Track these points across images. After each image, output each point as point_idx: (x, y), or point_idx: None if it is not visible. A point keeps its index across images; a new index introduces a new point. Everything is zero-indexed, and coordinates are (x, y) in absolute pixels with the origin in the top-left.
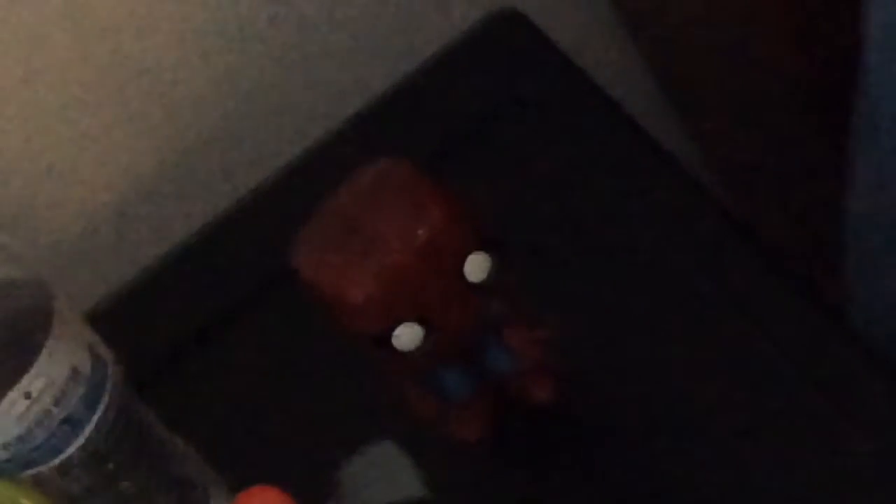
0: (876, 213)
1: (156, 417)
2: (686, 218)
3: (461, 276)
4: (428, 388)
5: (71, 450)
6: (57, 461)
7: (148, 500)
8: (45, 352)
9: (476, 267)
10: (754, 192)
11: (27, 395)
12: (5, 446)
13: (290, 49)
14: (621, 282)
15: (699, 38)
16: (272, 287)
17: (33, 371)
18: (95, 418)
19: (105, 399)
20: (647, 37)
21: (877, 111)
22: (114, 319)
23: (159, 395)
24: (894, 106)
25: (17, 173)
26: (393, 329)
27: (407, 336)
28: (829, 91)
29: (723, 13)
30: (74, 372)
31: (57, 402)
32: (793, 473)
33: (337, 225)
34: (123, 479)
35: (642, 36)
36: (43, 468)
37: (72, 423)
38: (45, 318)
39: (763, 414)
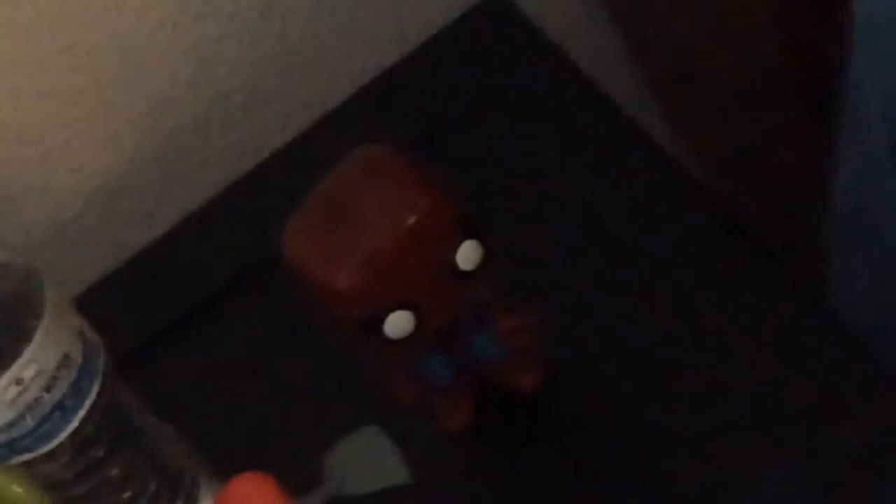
0: (858, 206)
1: (144, 404)
2: (669, 206)
3: (448, 262)
4: (413, 375)
5: (62, 436)
6: (47, 447)
7: (137, 486)
8: (36, 338)
9: (468, 255)
10: (738, 183)
11: (18, 382)
12: None
13: (278, 38)
14: (606, 270)
15: (684, 32)
16: (259, 274)
17: (24, 357)
18: (86, 405)
19: (96, 385)
20: (634, 29)
21: (862, 106)
22: (101, 305)
23: (146, 382)
24: (879, 101)
25: (9, 160)
26: (380, 315)
27: (398, 323)
28: (815, 86)
29: (707, 7)
30: (65, 358)
31: (48, 389)
32: (777, 461)
33: (324, 212)
34: (113, 465)
35: (629, 27)
36: (33, 454)
37: (62, 410)
38: (37, 304)
39: (747, 402)
